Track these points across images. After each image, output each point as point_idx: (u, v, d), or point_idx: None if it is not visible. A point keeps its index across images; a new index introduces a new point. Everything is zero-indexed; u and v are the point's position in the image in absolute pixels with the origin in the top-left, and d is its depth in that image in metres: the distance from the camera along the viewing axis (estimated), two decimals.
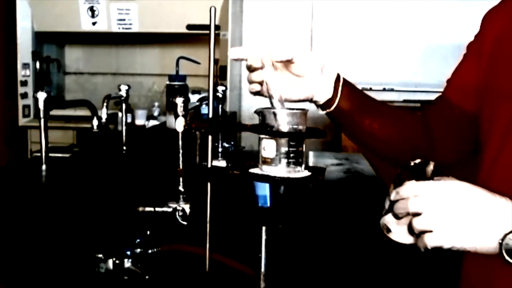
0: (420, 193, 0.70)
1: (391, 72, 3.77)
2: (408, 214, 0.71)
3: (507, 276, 0.77)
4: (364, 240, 1.31)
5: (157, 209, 1.06)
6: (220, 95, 1.93)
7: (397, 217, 0.73)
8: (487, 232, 0.68)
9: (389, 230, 0.75)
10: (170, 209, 1.05)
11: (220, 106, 1.92)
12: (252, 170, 0.81)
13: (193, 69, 2.44)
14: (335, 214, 1.57)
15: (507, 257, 0.68)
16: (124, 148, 1.97)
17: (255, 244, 0.85)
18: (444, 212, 0.69)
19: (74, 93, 4.10)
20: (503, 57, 0.87)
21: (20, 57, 3.56)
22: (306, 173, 0.80)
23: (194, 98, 2.20)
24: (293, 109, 0.79)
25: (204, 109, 2.04)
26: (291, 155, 0.78)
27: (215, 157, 1.14)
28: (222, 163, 1.63)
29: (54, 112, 1.83)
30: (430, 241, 0.69)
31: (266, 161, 0.79)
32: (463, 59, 0.97)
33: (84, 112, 2.64)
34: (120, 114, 2.14)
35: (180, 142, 1.00)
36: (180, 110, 0.98)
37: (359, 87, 0.95)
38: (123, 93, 1.96)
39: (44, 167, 1.69)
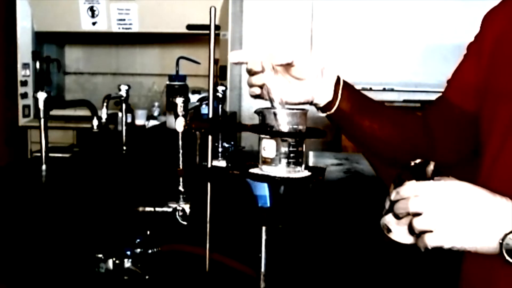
0: (421, 193, 0.70)
1: (391, 72, 3.77)
2: (408, 214, 0.71)
3: (507, 276, 0.77)
4: (364, 240, 1.31)
5: (157, 209, 1.06)
6: (220, 95, 1.93)
7: (397, 217, 0.74)
8: (488, 232, 0.68)
9: (389, 230, 0.75)
10: (170, 209, 1.05)
11: (220, 106, 1.92)
12: (252, 170, 0.81)
13: (193, 69, 2.44)
14: (335, 214, 1.57)
15: (507, 257, 0.68)
16: (124, 148, 1.97)
17: (255, 244, 0.85)
18: (445, 212, 0.69)
19: (74, 93, 4.10)
20: (503, 57, 0.87)
21: (20, 57, 3.56)
22: (306, 173, 0.80)
23: (194, 98, 2.20)
24: (293, 109, 0.79)
25: (204, 109, 2.04)
26: (291, 155, 0.78)
27: (215, 157, 1.14)
28: (222, 163, 1.63)
29: (54, 112, 1.82)
30: (430, 241, 0.69)
31: (266, 161, 0.79)
32: (463, 59, 0.97)
33: (84, 112, 2.64)
34: (120, 114, 2.14)
35: (180, 142, 1.00)
36: (180, 110, 0.98)
37: (359, 87, 0.95)
38: (123, 93, 1.95)
39: (44, 167, 1.69)
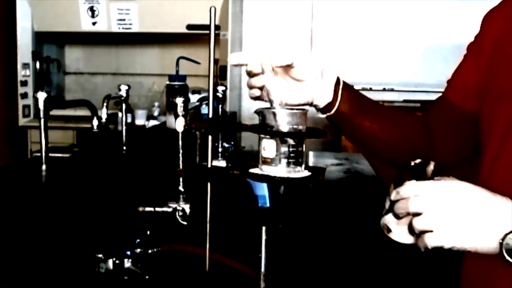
0: (421, 193, 0.70)
1: (391, 72, 3.77)
2: (408, 214, 0.71)
3: (507, 276, 0.77)
4: (364, 240, 1.31)
5: (157, 209, 1.06)
6: (220, 95, 1.93)
7: (397, 217, 0.74)
8: (488, 232, 0.68)
9: (389, 230, 0.75)
10: (170, 209, 1.05)
11: (220, 106, 1.92)
12: (252, 170, 0.81)
13: (193, 69, 2.44)
14: (335, 214, 1.57)
15: (507, 257, 0.68)
16: (124, 148, 1.97)
17: (255, 244, 0.85)
18: (445, 212, 0.69)
19: (74, 93, 4.10)
20: (503, 57, 0.87)
21: (20, 57, 3.56)
22: (306, 173, 0.80)
23: (194, 98, 2.20)
24: (293, 109, 0.79)
25: (204, 109, 2.04)
26: (291, 155, 0.78)
27: (215, 157, 1.14)
28: (222, 163, 1.63)
29: (54, 112, 1.82)
30: (430, 241, 0.69)
31: (266, 161, 0.79)
32: (463, 59, 0.97)
33: (84, 112, 2.64)
34: (120, 114, 2.14)
35: (180, 142, 1.00)
36: (180, 110, 0.98)
37: (359, 87, 0.95)
38: (123, 93, 1.96)
39: (44, 167, 1.69)
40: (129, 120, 2.11)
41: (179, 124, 0.92)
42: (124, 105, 1.97)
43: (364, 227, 1.34)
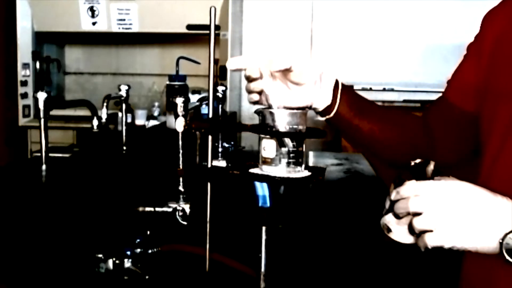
0: (421, 193, 0.70)
1: (391, 72, 3.77)
2: (408, 213, 0.71)
3: (507, 276, 0.77)
4: (364, 240, 1.31)
5: (157, 209, 1.06)
6: (220, 95, 1.93)
7: (397, 216, 0.74)
8: (488, 232, 0.68)
9: (389, 230, 0.75)
10: (170, 209, 1.05)
11: (220, 106, 1.92)
12: (252, 170, 0.81)
13: (193, 69, 2.44)
14: (335, 214, 1.57)
15: (507, 257, 0.68)
16: (124, 148, 1.97)
17: (255, 244, 0.85)
18: (445, 211, 0.69)
19: (74, 93, 4.10)
20: (503, 57, 0.87)
21: (20, 57, 3.56)
22: (306, 173, 0.80)
23: (194, 98, 2.20)
24: (293, 109, 0.79)
25: (204, 109, 2.04)
26: (291, 155, 0.78)
27: (215, 157, 1.14)
28: (222, 163, 1.63)
29: (54, 112, 1.83)
30: (430, 240, 0.69)
31: (266, 161, 0.79)
32: (463, 59, 0.97)
33: (84, 112, 2.64)
34: (120, 114, 2.14)
35: (180, 142, 1.00)
36: (180, 110, 0.98)
37: (359, 87, 0.96)
38: (123, 93, 1.96)
39: (44, 167, 1.69)
40: (129, 120, 2.11)
41: (179, 124, 0.92)
42: (124, 105, 1.98)
43: (364, 227, 1.34)
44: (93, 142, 1.91)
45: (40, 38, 3.68)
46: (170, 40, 3.71)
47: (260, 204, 0.83)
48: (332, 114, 0.91)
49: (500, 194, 0.70)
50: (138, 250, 1.06)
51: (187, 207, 1.05)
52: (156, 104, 3.61)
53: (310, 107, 0.90)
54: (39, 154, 1.72)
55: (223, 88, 1.98)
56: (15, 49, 3.54)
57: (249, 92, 0.86)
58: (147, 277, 1.02)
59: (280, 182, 0.78)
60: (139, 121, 3.29)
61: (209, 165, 0.93)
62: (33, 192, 1.44)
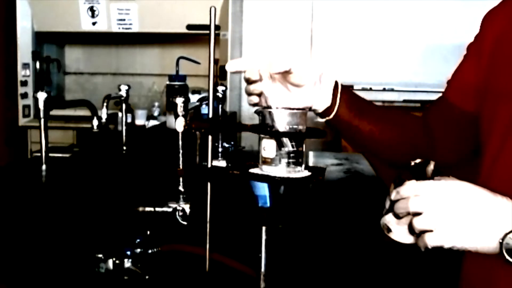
0: (421, 193, 0.70)
1: (391, 72, 3.77)
2: (408, 213, 0.71)
3: (507, 276, 0.77)
4: (364, 240, 1.31)
5: (157, 209, 1.06)
6: (220, 95, 1.93)
7: (397, 216, 0.74)
8: (488, 232, 0.68)
9: (389, 230, 0.75)
10: (170, 209, 1.05)
11: (220, 106, 1.92)
12: (252, 170, 0.81)
13: (193, 69, 2.44)
14: (335, 214, 1.57)
15: (507, 257, 0.68)
16: (124, 148, 1.97)
17: (255, 244, 0.85)
18: (445, 211, 0.69)
19: (74, 93, 4.10)
20: (503, 57, 0.88)
21: (20, 57, 3.56)
22: (306, 173, 0.80)
23: (194, 98, 2.20)
24: (293, 109, 0.79)
25: (204, 109, 2.04)
26: (291, 155, 0.78)
27: (215, 157, 1.14)
28: (222, 163, 1.63)
29: (54, 112, 1.83)
30: (430, 240, 0.69)
31: (266, 161, 0.79)
32: (463, 59, 0.97)
33: (84, 112, 2.64)
34: (120, 114, 2.14)
35: (180, 142, 1.00)
36: (180, 110, 0.98)
37: (359, 87, 0.96)
38: (123, 93, 1.96)
39: (44, 167, 1.69)
40: (129, 120, 2.11)
41: (179, 124, 0.92)
42: (124, 105, 1.98)
43: (364, 227, 1.34)
44: (93, 142, 1.91)
45: (40, 38, 3.68)
46: (170, 40, 3.71)
47: (260, 204, 0.83)
48: (332, 115, 0.91)
49: (500, 194, 0.70)
50: (138, 250, 1.06)
51: (187, 207, 1.05)
52: (156, 104, 3.61)
53: (310, 109, 0.90)
54: (39, 154, 1.72)
55: (223, 88, 1.98)
56: (15, 49, 3.54)
57: (249, 94, 0.86)
58: (147, 277, 1.02)
59: (280, 182, 0.78)
60: (139, 121, 3.29)
61: (209, 165, 0.93)
62: (33, 192, 1.44)
